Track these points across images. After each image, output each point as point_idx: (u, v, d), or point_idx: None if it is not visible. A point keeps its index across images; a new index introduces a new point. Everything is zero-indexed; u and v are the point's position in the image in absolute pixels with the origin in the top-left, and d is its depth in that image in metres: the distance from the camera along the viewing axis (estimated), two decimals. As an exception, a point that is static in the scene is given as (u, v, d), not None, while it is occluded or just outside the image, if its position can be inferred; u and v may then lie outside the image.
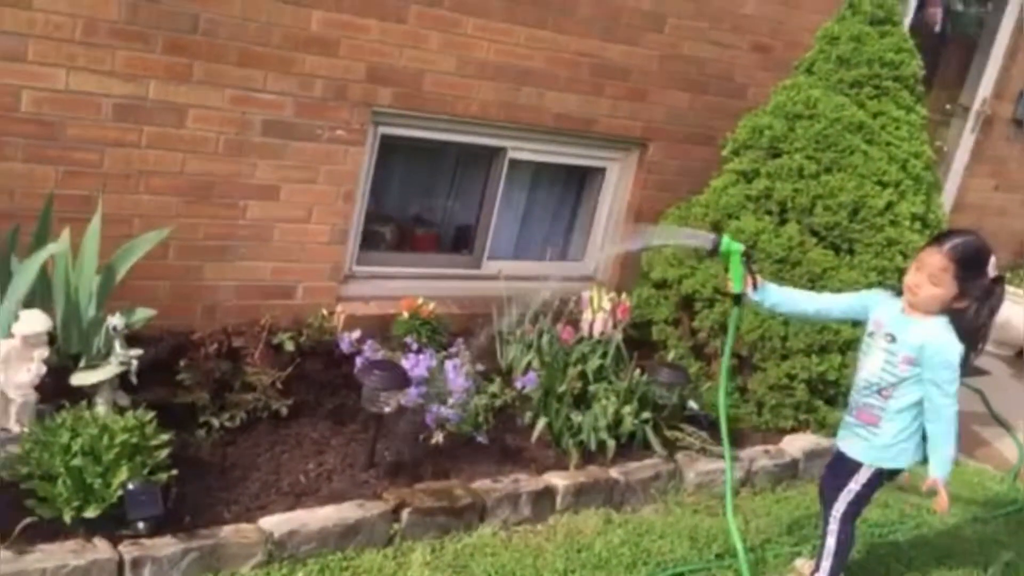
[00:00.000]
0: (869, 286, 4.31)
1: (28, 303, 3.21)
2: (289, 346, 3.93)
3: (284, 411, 3.57)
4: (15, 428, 3.00)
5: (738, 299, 3.25)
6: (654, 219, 5.04)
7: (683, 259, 4.67)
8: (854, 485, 3.27)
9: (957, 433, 3.12)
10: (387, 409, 3.38)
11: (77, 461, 2.77)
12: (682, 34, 5.07)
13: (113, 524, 2.76)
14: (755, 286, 3.20)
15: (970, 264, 3.04)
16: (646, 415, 4.05)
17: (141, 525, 2.78)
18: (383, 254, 4.77)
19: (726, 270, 3.26)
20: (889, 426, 3.20)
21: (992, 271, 3.07)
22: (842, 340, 4.32)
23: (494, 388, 3.97)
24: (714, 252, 3.18)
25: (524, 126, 4.78)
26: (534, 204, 5.28)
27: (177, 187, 3.89)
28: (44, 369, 3.09)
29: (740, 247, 3.15)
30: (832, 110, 4.53)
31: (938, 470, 3.12)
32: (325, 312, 4.28)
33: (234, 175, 3.99)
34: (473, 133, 4.70)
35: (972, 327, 3.07)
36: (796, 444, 4.41)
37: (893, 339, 3.13)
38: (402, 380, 3.43)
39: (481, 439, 3.74)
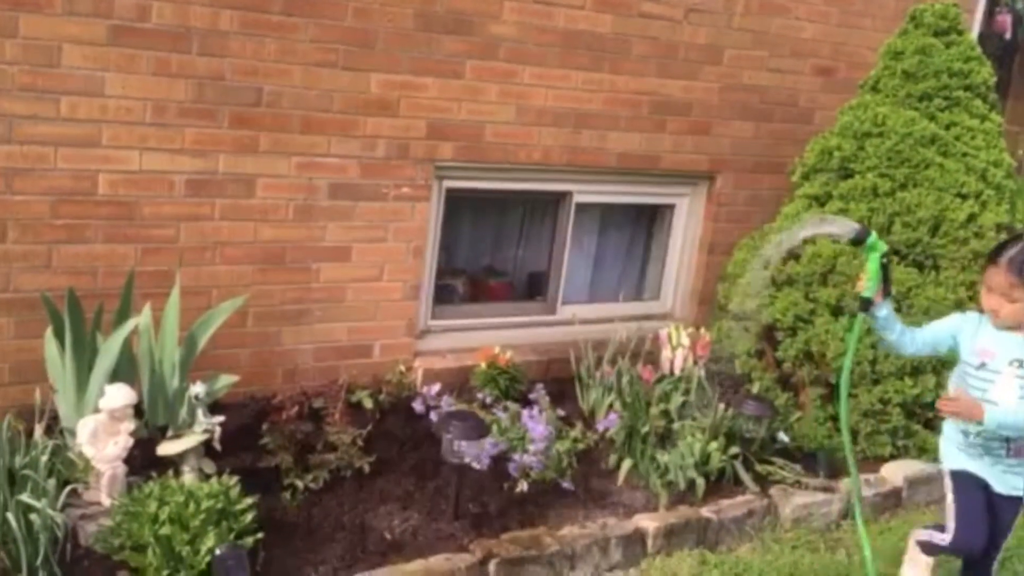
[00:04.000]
0: (958, 302, 4.17)
1: (115, 378, 3.31)
2: (368, 404, 3.96)
3: (367, 468, 3.57)
4: (106, 501, 3.06)
5: (865, 305, 2.97)
6: (728, 251, 4.96)
7: (760, 289, 4.57)
8: None
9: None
10: (467, 460, 3.36)
11: (165, 530, 2.80)
12: (741, 64, 5.03)
13: (203, 590, 2.79)
14: (886, 295, 2.98)
15: None
16: (734, 450, 3.94)
17: (230, 590, 2.80)
18: (457, 307, 4.79)
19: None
20: None
21: None
22: (935, 360, 4.14)
23: (576, 433, 3.92)
24: (859, 243, 2.92)
25: (588, 169, 4.78)
26: (605, 245, 5.25)
27: (251, 255, 3.98)
28: (131, 441, 3.16)
29: (884, 247, 2.91)
30: (902, 125, 4.41)
31: (993, 412, 2.89)
32: (403, 368, 4.30)
33: (305, 240, 4.07)
34: (537, 180, 4.72)
35: None
36: (898, 472, 4.22)
37: (1022, 364, 2.92)
38: (480, 430, 3.41)
39: (566, 485, 3.68)
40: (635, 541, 3.49)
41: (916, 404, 4.21)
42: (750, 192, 5.24)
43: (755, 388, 4.45)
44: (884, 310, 3.01)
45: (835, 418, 4.32)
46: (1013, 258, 2.88)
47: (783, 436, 4.16)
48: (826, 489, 3.98)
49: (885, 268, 2.92)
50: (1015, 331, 2.94)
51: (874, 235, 2.92)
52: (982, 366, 2.96)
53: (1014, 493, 3.05)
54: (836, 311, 4.31)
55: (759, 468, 3.98)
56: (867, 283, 2.93)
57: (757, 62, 5.08)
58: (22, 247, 3.53)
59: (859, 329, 3.04)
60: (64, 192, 3.56)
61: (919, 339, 3.13)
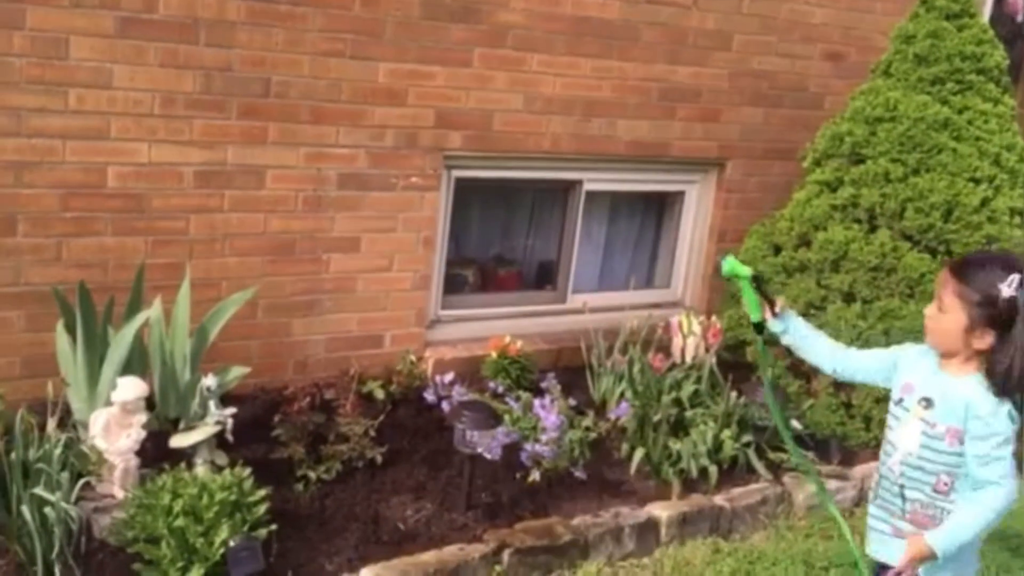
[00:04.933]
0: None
1: (127, 371, 3.30)
2: (380, 394, 3.95)
3: (379, 459, 3.57)
4: (119, 494, 3.06)
5: (759, 328, 2.74)
6: (739, 238, 4.93)
7: (772, 276, 4.54)
8: None
9: (985, 528, 2.39)
10: (479, 450, 3.35)
11: (179, 522, 2.80)
12: (751, 49, 5.00)
13: (218, 582, 2.79)
14: (773, 313, 2.66)
15: (971, 276, 2.33)
16: (747, 438, 3.93)
17: (245, 582, 2.80)
18: (467, 296, 4.78)
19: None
20: None
21: (1010, 289, 2.29)
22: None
23: (588, 421, 3.91)
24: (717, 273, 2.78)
25: (597, 156, 4.75)
26: (615, 234, 5.23)
27: (261, 247, 3.97)
28: (143, 434, 3.16)
29: (747, 271, 2.66)
30: (914, 110, 4.37)
31: (937, 536, 2.38)
32: (413, 358, 4.29)
33: (315, 230, 4.06)
34: (547, 168, 4.70)
35: (999, 371, 2.32)
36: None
37: (929, 403, 2.43)
38: (492, 420, 3.40)
39: (579, 474, 3.67)
40: (648, 530, 3.48)
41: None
42: (760, 178, 5.22)
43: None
44: (778, 326, 2.68)
45: (848, 405, 4.30)
46: (959, 257, 2.52)
47: (796, 424, 4.14)
48: (839, 476, 3.97)
49: (759, 288, 2.68)
50: (947, 366, 2.44)
51: (728, 262, 2.69)
52: (900, 402, 2.53)
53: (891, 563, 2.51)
54: (848, 297, 4.29)
55: (772, 456, 3.97)
56: (748, 309, 2.71)
57: (766, 47, 5.04)
58: (32, 240, 3.53)
59: (764, 355, 3.00)
60: (73, 185, 3.55)
61: (843, 359, 2.70)
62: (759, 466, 3.89)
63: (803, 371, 4.45)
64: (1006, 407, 2.34)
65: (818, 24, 5.18)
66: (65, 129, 3.49)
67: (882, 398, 4.16)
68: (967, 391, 2.36)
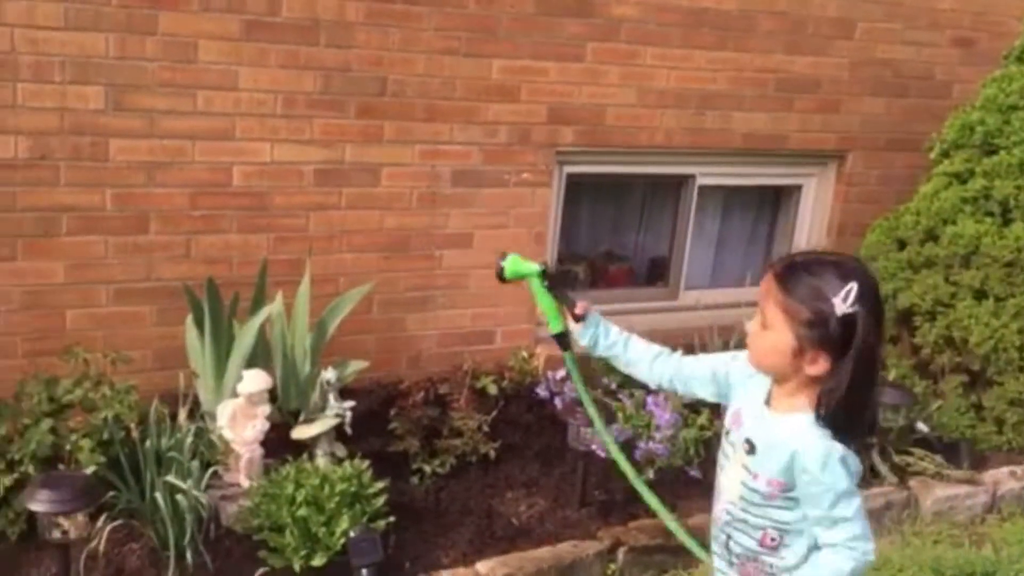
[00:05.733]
0: (1116, 284, 3.90)
1: (250, 364, 3.41)
2: (492, 390, 3.97)
3: (492, 454, 3.59)
4: (245, 483, 3.16)
5: (563, 341, 2.27)
6: (860, 232, 4.77)
7: (896, 272, 4.37)
8: None
9: None
10: (593, 447, 3.33)
11: (302, 511, 2.88)
12: (874, 37, 4.82)
13: (338, 572, 2.85)
14: (575, 317, 2.19)
15: (797, 286, 1.82)
16: (871, 440, 3.79)
17: (365, 572, 2.85)
18: (577, 292, 4.72)
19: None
20: None
21: (845, 304, 1.76)
22: (1090, 346, 3.90)
23: (702, 420, 3.84)
24: (501, 278, 2.25)
25: (711, 150, 4.67)
26: (729, 229, 5.13)
27: (376, 243, 4.04)
28: (267, 425, 3.26)
29: (534, 268, 2.19)
30: (1052, 96, 4.15)
31: None
32: (525, 354, 4.29)
33: (429, 227, 4.11)
34: (659, 163, 4.64)
35: (826, 403, 1.81)
36: (1046, 464, 4.00)
37: (752, 449, 1.94)
38: (605, 417, 3.37)
39: (693, 473, 3.61)
40: (766, 532, 3.40)
41: (1068, 393, 3.97)
42: (883, 171, 5.04)
43: (891, 375, 4.27)
44: (585, 336, 2.20)
45: (979, 407, 4.11)
46: (789, 262, 1.89)
47: (922, 425, 3.99)
48: (970, 481, 3.80)
49: (552, 287, 2.22)
50: (777, 395, 1.93)
51: (510, 262, 2.22)
52: (727, 434, 2.04)
53: None
54: (980, 295, 4.09)
55: (897, 459, 3.83)
56: (546, 318, 2.26)
57: (891, 35, 4.86)
58: (163, 238, 3.67)
59: (574, 370, 2.41)
60: (201, 184, 3.68)
61: (667, 369, 2.17)
62: (883, 469, 3.76)
63: (930, 371, 4.28)
64: (837, 453, 1.83)
65: (946, 9, 4.96)
66: (193, 130, 3.62)
67: (1015, 400, 3.99)
68: (793, 438, 1.86)
